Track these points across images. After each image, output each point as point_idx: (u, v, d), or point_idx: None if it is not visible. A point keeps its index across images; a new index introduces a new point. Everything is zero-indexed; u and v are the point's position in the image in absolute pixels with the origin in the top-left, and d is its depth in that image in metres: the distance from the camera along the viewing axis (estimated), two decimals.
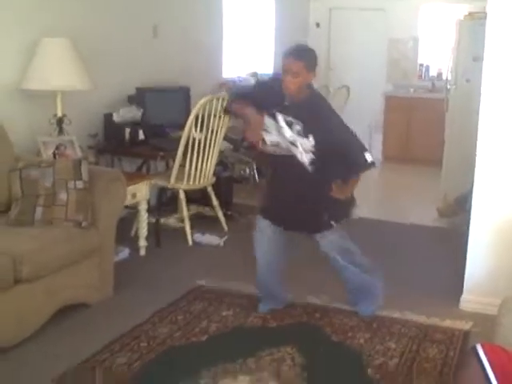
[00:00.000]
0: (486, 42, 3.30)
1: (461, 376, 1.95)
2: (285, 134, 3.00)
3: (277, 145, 3.06)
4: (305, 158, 3.00)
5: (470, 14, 5.58)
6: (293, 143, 3.00)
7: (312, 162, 3.01)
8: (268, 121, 3.04)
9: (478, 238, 3.46)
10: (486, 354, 1.84)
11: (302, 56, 2.96)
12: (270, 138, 3.05)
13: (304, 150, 2.99)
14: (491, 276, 3.43)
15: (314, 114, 3.00)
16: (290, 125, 2.99)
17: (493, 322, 2.41)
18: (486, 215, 3.42)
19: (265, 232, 3.27)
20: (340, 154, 3.00)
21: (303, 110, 2.99)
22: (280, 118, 3.01)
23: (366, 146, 3.10)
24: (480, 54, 3.37)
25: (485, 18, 3.39)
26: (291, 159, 3.03)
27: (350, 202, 3.24)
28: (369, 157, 3.00)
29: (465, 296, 3.52)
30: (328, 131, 2.97)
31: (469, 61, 5.24)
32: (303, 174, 3.05)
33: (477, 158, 3.41)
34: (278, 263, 3.37)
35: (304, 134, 2.97)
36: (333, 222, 3.15)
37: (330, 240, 3.20)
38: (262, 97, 3.12)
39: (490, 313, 2.84)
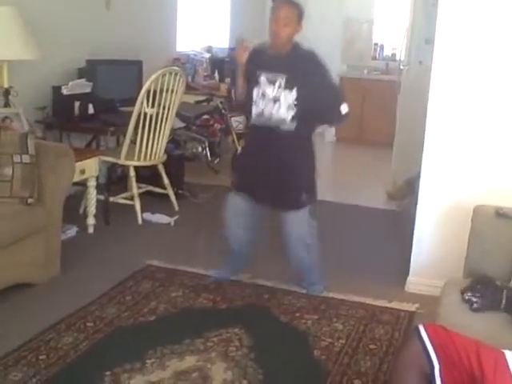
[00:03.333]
0: (438, 24, 3.30)
1: (403, 355, 1.99)
2: (267, 93, 3.08)
3: (261, 114, 3.12)
4: (286, 113, 3.06)
5: None
6: (276, 99, 3.06)
7: (293, 118, 3.07)
8: (255, 90, 3.12)
9: (425, 221, 3.52)
10: (427, 333, 1.88)
11: (295, 5, 3.08)
12: (257, 109, 3.13)
13: (287, 104, 3.05)
14: (437, 258, 3.49)
15: (298, 61, 3.08)
16: (273, 82, 3.07)
17: (436, 303, 2.48)
18: (432, 198, 3.48)
19: (238, 209, 3.32)
20: (319, 107, 3.09)
21: (287, 62, 3.08)
22: (263, 78, 3.09)
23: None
24: (432, 36, 3.39)
25: None
26: (273, 130, 3.11)
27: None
28: (344, 108, 3.10)
29: (411, 278, 3.59)
30: (311, 81, 3.05)
31: (422, 42, 5.27)
32: (284, 147, 3.13)
33: (425, 141, 3.44)
34: (250, 238, 3.43)
35: (287, 86, 3.04)
36: (307, 200, 3.24)
37: (299, 219, 3.27)
38: (252, 65, 3.19)
39: (435, 294, 2.89)
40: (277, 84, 3.06)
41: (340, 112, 3.11)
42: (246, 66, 3.22)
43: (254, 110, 3.15)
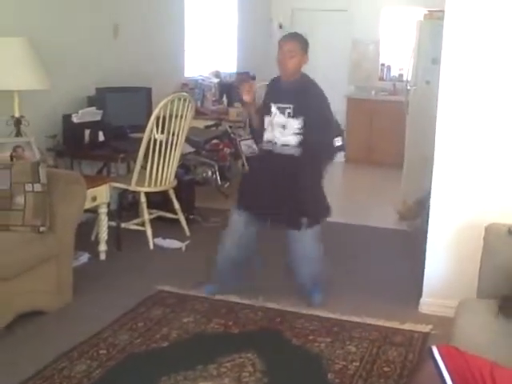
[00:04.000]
0: (444, 44, 3.33)
1: (417, 377, 1.97)
2: (277, 120, 3.36)
3: (270, 140, 3.41)
4: (292, 139, 3.34)
5: (430, 12, 5.62)
6: (284, 126, 3.35)
7: (298, 144, 3.34)
8: (266, 119, 3.43)
9: (437, 241, 3.50)
10: (441, 355, 1.87)
11: (297, 38, 3.40)
12: (266, 135, 3.43)
13: (292, 131, 3.33)
14: (450, 278, 3.47)
15: (304, 93, 3.35)
16: (283, 111, 3.36)
17: (451, 324, 2.45)
18: (443, 218, 3.46)
19: (238, 225, 3.50)
20: (314, 138, 3.34)
21: (294, 92, 3.36)
22: (274, 108, 3.39)
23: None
24: (439, 55, 3.41)
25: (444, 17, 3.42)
26: (279, 154, 3.38)
27: (327, 205, 3.55)
28: (338, 141, 3.40)
29: (424, 299, 3.56)
30: (315, 109, 3.34)
31: (428, 62, 5.30)
32: (287, 169, 3.37)
33: (434, 160, 3.45)
34: (242, 257, 3.58)
35: (294, 114, 3.33)
36: (308, 224, 3.41)
37: (302, 239, 3.46)
38: (266, 97, 3.53)
39: (448, 315, 2.86)
40: (286, 113, 3.35)
41: (332, 145, 3.39)
42: (264, 97, 3.54)
43: (265, 137, 3.45)
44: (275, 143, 3.39)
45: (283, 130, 3.36)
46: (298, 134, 3.34)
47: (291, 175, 3.36)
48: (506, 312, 2.34)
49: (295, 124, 3.33)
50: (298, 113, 3.32)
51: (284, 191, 3.38)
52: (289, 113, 3.33)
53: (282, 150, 3.38)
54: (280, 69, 3.38)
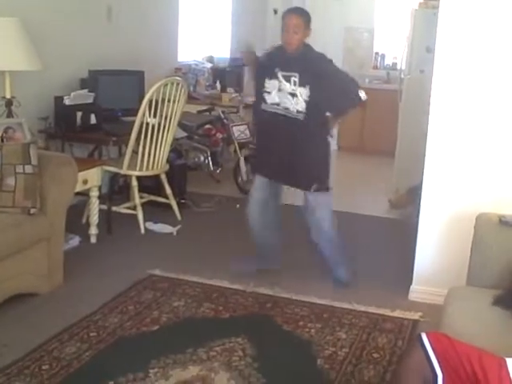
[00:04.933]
0: (438, 33, 3.32)
1: (406, 363, 1.98)
2: (286, 88, 3.44)
3: (277, 104, 3.49)
4: (300, 107, 3.43)
5: (425, 1, 5.58)
6: (293, 94, 3.43)
7: (306, 110, 3.43)
8: (269, 82, 3.50)
9: (427, 229, 3.52)
10: (430, 342, 1.88)
11: (302, 13, 3.48)
12: (270, 98, 3.51)
13: (303, 98, 3.42)
14: (440, 266, 3.49)
15: (309, 63, 3.44)
16: (288, 79, 3.44)
17: (440, 312, 2.47)
18: (435, 207, 3.48)
19: (260, 190, 3.69)
20: (338, 93, 3.47)
21: (299, 63, 3.43)
22: (280, 74, 3.46)
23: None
24: (433, 44, 3.40)
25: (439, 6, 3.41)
26: (287, 117, 3.48)
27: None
28: (362, 94, 3.46)
29: (414, 286, 3.58)
30: (326, 77, 3.42)
31: (422, 51, 5.29)
32: (296, 132, 3.49)
33: (427, 149, 3.45)
34: (272, 223, 3.76)
35: (301, 83, 3.41)
36: (319, 186, 3.56)
37: (318, 203, 3.60)
38: (265, 64, 3.61)
39: (438, 303, 2.89)
40: (292, 81, 3.43)
41: (358, 94, 3.45)
42: (258, 64, 3.68)
43: (269, 99, 3.52)
44: (285, 108, 3.47)
45: (292, 98, 3.44)
46: (306, 101, 3.42)
47: (301, 139, 3.50)
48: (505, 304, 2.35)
49: (304, 92, 3.40)
50: (305, 82, 3.40)
51: (295, 154, 3.52)
52: (294, 81, 3.42)
53: (290, 114, 3.47)
54: (284, 44, 3.46)
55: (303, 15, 3.46)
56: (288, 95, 3.45)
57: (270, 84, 3.51)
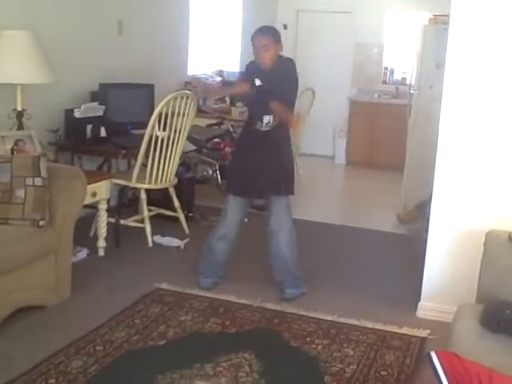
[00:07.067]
0: (448, 49, 3.32)
1: (414, 382, 1.96)
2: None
3: (268, 122, 3.58)
4: (270, 118, 3.56)
5: (435, 17, 5.61)
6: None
7: (273, 120, 3.56)
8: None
9: (436, 245, 3.49)
10: (439, 360, 1.86)
11: (268, 31, 3.55)
12: (265, 119, 3.59)
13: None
14: (449, 283, 3.47)
15: (276, 73, 3.52)
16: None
17: (449, 330, 2.45)
18: (444, 222, 3.46)
19: (233, 207, 3.75)
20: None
21: (270, 76, 3.51)
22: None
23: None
24: (443, 60, 3.40)
25: (449, 22, 3.41)
26: (265, 133, 3.59)
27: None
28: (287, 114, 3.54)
29: (422, 303, 3.56)
30: (283, 73, 3.52)
31: (432, 67, 5.29)
32: (266, 143, 3.59)
33: (436, 165, 3.44)
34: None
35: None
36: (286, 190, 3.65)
37: (282, 204, 3.65)
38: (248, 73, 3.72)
39: (446, 320, 2.87)
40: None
41: (284, 109, 3.49)
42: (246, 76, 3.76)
43: (264, 119, 3.61)
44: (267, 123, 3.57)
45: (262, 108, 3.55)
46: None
47: (271, 150, 3.60)
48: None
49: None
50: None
51: (267, 164, 3.60)
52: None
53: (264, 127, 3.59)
54: (258, 63, 3.54)
55: (270, 33, 3.53)
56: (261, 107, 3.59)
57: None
